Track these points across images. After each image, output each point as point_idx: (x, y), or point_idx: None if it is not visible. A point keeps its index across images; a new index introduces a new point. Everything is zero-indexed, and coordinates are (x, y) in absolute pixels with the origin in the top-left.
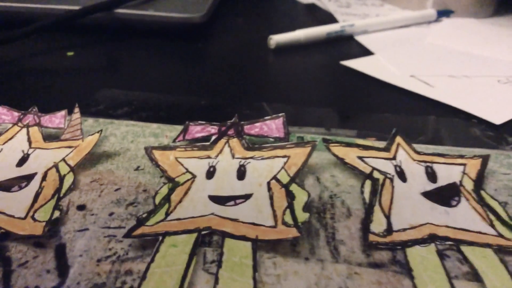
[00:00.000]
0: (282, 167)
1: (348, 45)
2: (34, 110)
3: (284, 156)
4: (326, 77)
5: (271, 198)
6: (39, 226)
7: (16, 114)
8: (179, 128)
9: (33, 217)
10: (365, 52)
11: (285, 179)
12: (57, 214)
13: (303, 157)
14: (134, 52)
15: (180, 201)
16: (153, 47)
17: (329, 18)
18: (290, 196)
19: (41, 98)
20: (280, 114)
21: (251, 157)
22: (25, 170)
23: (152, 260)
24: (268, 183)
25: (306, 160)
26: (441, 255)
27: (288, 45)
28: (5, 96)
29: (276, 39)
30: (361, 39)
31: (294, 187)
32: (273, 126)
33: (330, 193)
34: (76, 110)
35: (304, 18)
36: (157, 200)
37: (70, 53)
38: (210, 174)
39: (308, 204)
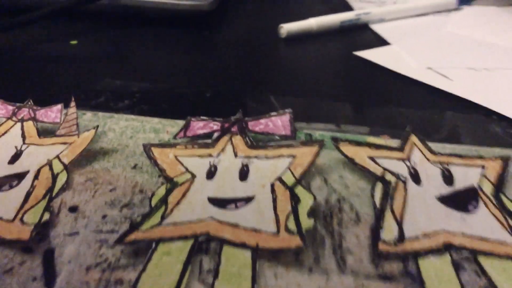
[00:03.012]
0: (287, 168)
1: (363, 34)
2: (29, 103)
3: (289, 156)
4: (339, 68)
5: (274, 201)
6: (26, 230)
7: (10, 107)
8: (181, 123)
9: (21, 220)
10: (380, 42)
11: (290, 180)
12: (47, 216)
13: (310, 157)
14: (140, 41)
15: (177, 203)
16: (159, 36)
17: (344, 6)
18: (295, 199)
19: (42, 87)
20: (287, 110)
21: (255, 156)
22: (17, 167)
23: (143, 269)
24: (272, 184)
25: (313, 161)
26: (457, 266)
27: (300, 34)
28: (4, 85)
29: (287, 27)
30: (377, 28)
31: (299, 189)
32: (279, 123)
33: (338, 196)
34: (72, 104)
35: (317, 5)
36: (154, 202)
37: (73, 42)
38: (211, 174)
39: (314, 209)
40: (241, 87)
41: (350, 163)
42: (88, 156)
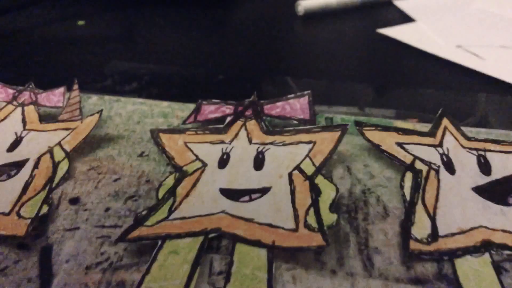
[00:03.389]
0: (307, 155)
1: (387, 11)
2: (30, 86)
3: (309, 142)
4: (361, 47)
5: (292, 193)
6: (22, 225)
7: (10, 91)
8: (192, 107)
9: (18, 213)
10: (405, 19)
11: (309, 169)
12: (45, 209)
13: (332, 144)
14: (150, 19)
15: (186, 195)
16: (170, 14)
17: None
18: (315, 191)
19: (45, 69)
20: (305, 92)
21: (271, 143)
22: (16, 155)
23: (147, 271)
24: (290, 174)
25: (335, 147)
26: (498, 268)
27: (319, 11)
28: (5, 68)
29: (305, 4)
30: (401, 4)
31: (320, 180)
32: (297, 105)
33: (363, 187)
34: (75, 87)
35: None
36: (161, 194)
37: (81, 22)
38: (223, 162)
39: (336, 202)
40: (256, 68)
41: (376, 150)
42: (92, 142)
